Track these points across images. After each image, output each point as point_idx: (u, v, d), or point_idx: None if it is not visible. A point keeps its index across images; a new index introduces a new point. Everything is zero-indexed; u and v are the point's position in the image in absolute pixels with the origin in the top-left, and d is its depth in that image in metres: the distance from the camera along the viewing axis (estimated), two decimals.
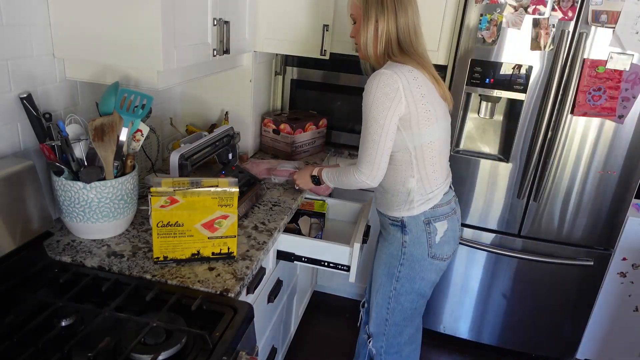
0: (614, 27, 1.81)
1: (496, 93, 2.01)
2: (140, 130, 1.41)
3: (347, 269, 1.65)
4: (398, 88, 1.37)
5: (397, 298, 1.61)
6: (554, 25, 1.86)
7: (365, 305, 1.89)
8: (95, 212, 1.30)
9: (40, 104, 1.32)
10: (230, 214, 1.25)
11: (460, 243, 2.24)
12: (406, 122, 1.41)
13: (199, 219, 1.23)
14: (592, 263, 2.15)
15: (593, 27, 1.84)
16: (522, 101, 2.00)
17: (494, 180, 2.15)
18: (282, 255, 1.67)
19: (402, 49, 1.45)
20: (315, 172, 1.71)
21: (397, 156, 1.48)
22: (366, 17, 1.44)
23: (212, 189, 1.21)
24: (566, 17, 1.85)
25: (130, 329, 1.01)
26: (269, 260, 1.58)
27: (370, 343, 1.74)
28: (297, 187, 1.83)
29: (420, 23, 1.48)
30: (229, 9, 1.64)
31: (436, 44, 2.07)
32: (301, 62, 2.44)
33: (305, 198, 1.98)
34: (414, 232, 1.52)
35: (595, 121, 1.96)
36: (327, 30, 1.94)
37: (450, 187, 1.60)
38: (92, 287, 1.15)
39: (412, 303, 1.62)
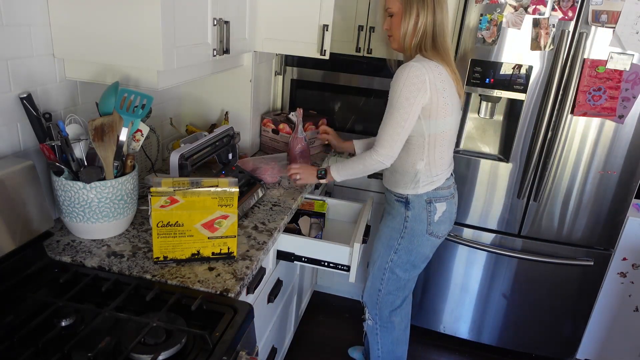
0: (614, 27, 1.81)
1: (496, 93, 2.01)
2: (140, 130, 1.41)
3: (347, 269, 1.65)
4: (425, 80, 1.52)
5: (392, 269, 1.79)
6: (554, 25, 1.86)
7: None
8: (95, 212, 1.30)
9: (40, 104, 1.32)
10: (230, 214, 1.25)
11: (460, 243, 2.25)
12: (426, 112, 1.57)
13: (199, 219, 1.23)
14: (592, 263, 2.15)
15: (593, 27, 1.84)
16: (522, 101, 2.00)
17: (494, 180, 2.15)
18: (282, 255, 1.67)
19: (435, 44, 1.58)
20: (323, 168, 1.76)
21: (412, 140, 1.64)
22: (408, 11, 1.56)
23: (212, 189, 1.21)
24: (566, 17, 1.85)
25: (130, 329, 1.01)
26: (269, 260, 1.58)
27: (366, 313, 1.93)
28: (296, 182, 1.82)
29: (448, 21, 1.62)
30: (229, 9, 1.64)
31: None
32: (301, 62, 2.44)
33: (305, 198, 1.98)
34: (417, 209, 1.70)
35: (595, 121, 1.96)
36: (327, 30, 1.94)
37: (451, 174, 1.77)
38: (92, 287, 1.15)
39: (405, 273, 1.80)
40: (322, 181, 1.77)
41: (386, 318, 1.90)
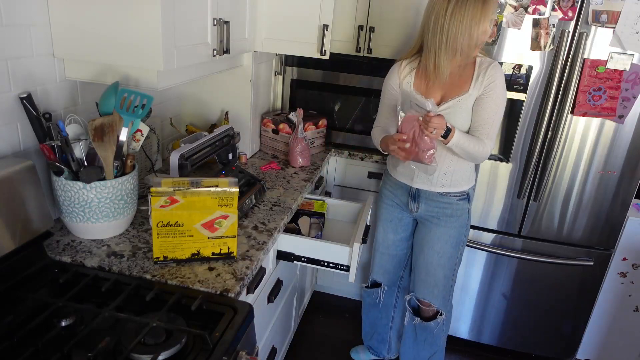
0: (614, 27, 1.81)
1: None
2: (140, 130, 1.41)
3: (347, 269, 1.65)
4: None
5: (459, 259, 1.90)
6: (554, 25, 1.86)
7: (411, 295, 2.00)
8: (95, 212, 1.30)
9: (40, 104, 1.32)
10: (230, 214, 1.25)
11: None
12: None
13: (199, 219, 1.23)
14: (592, 263, 2.15)
15: (593, 27, 1.84)
16: (522, 101, 2.00)
17: (494, 180, 2.15)
18: (282, 255, 1.67)
19: None
20: (449, 125, 1.59)
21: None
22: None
23: (212, 189, 1.21)
24: (566, 17, 1.85)
25: (130, 329, 1.01)
26: (269, 260, 1.58)
27: (440, 319, 1.93)
28: (428, 129, 1.55)
29: None
30: (229, 9, 1.64)
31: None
32: (301, 62, 2.44)
33: (305, 198, 1.98)
34: (472, 197, 1.85)
35: (596, 121, 1.96)
36: (327, 30, 1.94)
37: None
38: (92, 287, 1.15)
39: (463, 254, 1.94)
40: (442, 140, 1.60)
41: (451, 304, 2.00)
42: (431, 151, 1.60)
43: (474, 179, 1.85)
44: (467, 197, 1.81)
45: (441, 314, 1.92)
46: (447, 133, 1.58)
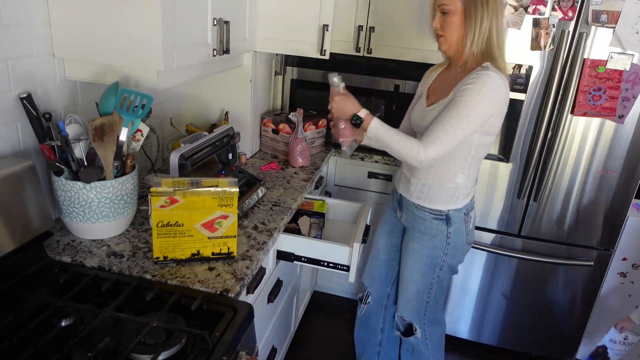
0: (614, 27, 1.81)
1: None
2: (140, 130, 1.41)
3: (347, 269, 1.65)
4: (503, 97, 1.44)
5: (439, 283, 1.71)
6: (554, 25, 1.86)
7: (387, 303, 1.93)
8: (95, 212, 1.30)
9: (40, 104, 1.32)
10: (230, 214, 1.25)
11: None
12: (485, 125, 1.46)
13: (199, 219, 1.23)
14: (592, 263, 2.15)
15: (593, 27, 1.84)
16: (522, 101, 2.00)
17: (494, 180, 2.15)
18: (282, 255, 1.67)
19: (501, 51, 1.45)
20: (362, 114, 1.52)
21: (456, 152, 1.51)
22: (473, 12, 1.41)
23: (212, 189, 1.21)
24: (566, 17, 1.85)
25: (130, 329, 1.01)
26: (269, 260, 1.58)
27: (418, 333, 1.79)
28: (330, 110, 1.57)
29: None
30: (229, 9, 1.64)
31: (436, 44, 2.06)
32: (301, 62, 2.44)
33: (305, 198, 1.98)
34: (457, 223, 1.62)
35: (596, 121, 1.96)
36: (327, 30, 1.94)
37: None
38: (92, 287, 1.15)
39: (448, 281, 1.78)
40: (351, 131, 1.56)
41: (435, 321, 1.80)
42: (341, 130, 1.57)
43: (463, 201, 1.60)
44: (445, 218, 1.60)
45: (416, 330, 1.79)
46: (358, 119, 1.50)
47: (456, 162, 1.54)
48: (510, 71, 1.95)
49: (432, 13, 1.52)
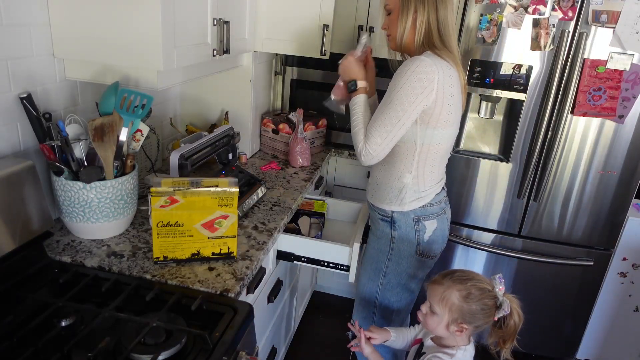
0: (614, 27, 1.81)
1: (496, 93, 2.01)
2: (140, 130, 1.41)
3: (347, 269, 1.65)
4: (434, 79, 1.34)
5: (383, 293, 1.61)
6: (554, 25, 1.86)
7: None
8: (95, 212, 1.30)
9: (40, 104, 1.32)
10: (230, 214, 1.25)
11: (460, 243, 2.25)
12: (426, 117, 1.39)
13: (199, 219, 1.23)
14: (592, 263, 2.15)
15: (593, 27, 1.84)
16: (522, 101, 2.00)
17: (494, 180, 2.15)
18: (282, 255, 1.67)
19: (444, 42, 1.42)
20: (360, 84, 1.52)
21: (401, 148, 1.45)
22: (405, 8, 1.41)
23: (212, 189, 1.21)
24: (566, 17, 1.85)
25: (130, 329, 1.01)
26: (269, 260, 1.58)
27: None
28: (339, 64, 1.59)
29: (454, 20, 1.46)
30: (229, 9, 1.64)
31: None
32: (301, 62, 2.44)
33: (305, 198, 1.98)
34: (403, 228, 1.52)
35: (595, 121, 1.96)
36: (327, 30, 1.94)
37: (443, 188, 1.59)
38: (92, 287, 1.15)
39: (397, 297, 1.61)
40: (343, 92, 1.59)
41: None
42: (338, 86, 1.62)
43: (411, 204, 1.49)
44: (389, 220, 1.52)
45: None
46: (354, 85, 1.52)
47: (402, 159, 1.46)
48: (510, 71, 1.96)
49: (383, 15, 1.52)
